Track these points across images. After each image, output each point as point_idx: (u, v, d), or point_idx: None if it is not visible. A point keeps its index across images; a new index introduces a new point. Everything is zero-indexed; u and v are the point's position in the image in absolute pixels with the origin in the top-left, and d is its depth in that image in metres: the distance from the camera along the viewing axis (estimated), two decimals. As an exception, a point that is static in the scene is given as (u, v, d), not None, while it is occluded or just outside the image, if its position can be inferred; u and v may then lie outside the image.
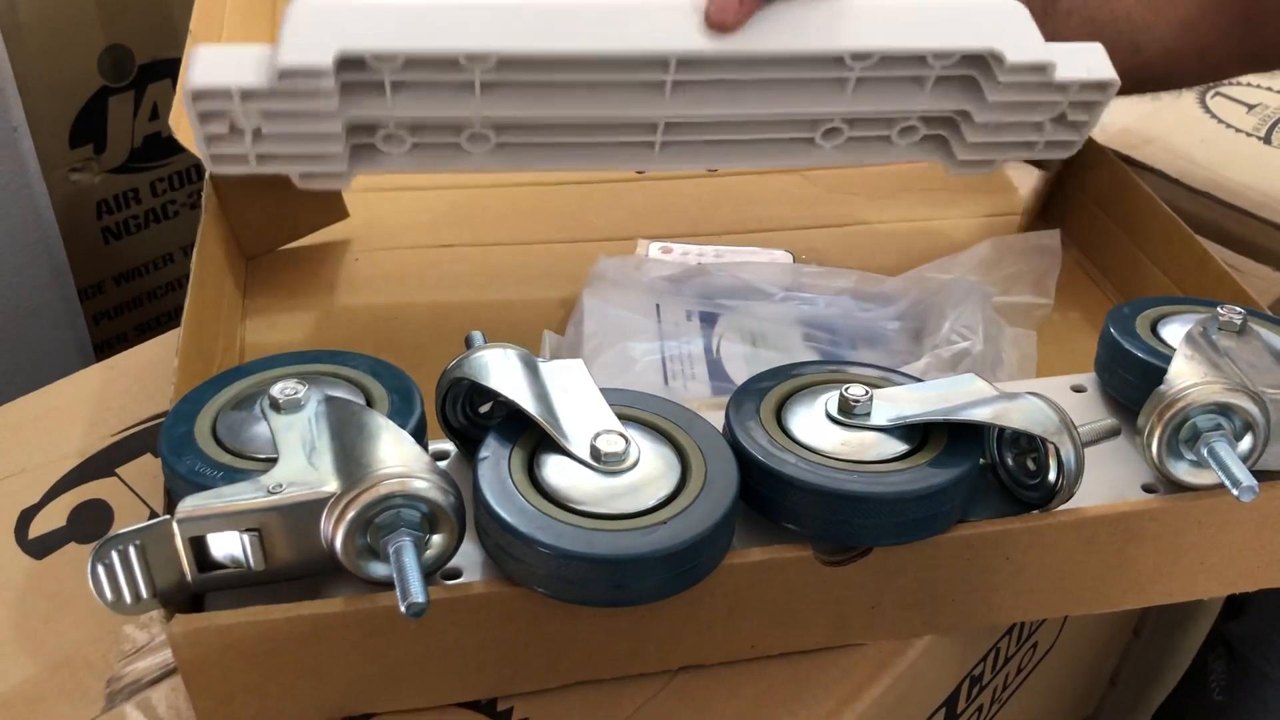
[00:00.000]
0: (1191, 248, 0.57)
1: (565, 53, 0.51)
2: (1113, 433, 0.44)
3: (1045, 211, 0.69)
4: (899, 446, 0.41)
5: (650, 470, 0.39)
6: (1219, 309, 0.46)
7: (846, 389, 0.41)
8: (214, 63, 0.50)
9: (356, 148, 0.53)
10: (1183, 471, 0.42)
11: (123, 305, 1.05)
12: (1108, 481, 0.44)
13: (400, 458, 0.37)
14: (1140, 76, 0.59)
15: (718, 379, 0.55)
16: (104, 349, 1.06)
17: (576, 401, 0.40)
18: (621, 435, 0.39)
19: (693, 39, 0.51)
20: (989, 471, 0.43)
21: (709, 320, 0.57)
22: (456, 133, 0.54)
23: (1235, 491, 0.39)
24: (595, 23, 0.51)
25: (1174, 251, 0.58)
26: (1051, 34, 0.53)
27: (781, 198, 0.69)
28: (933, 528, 0.40)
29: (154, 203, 1.05)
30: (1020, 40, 0.53)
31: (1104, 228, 0.64)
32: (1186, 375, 0.43)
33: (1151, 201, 0.60)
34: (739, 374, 0.55)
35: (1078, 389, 0.49)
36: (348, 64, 0.50)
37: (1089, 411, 0.48)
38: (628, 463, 0.38)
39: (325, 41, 0.49)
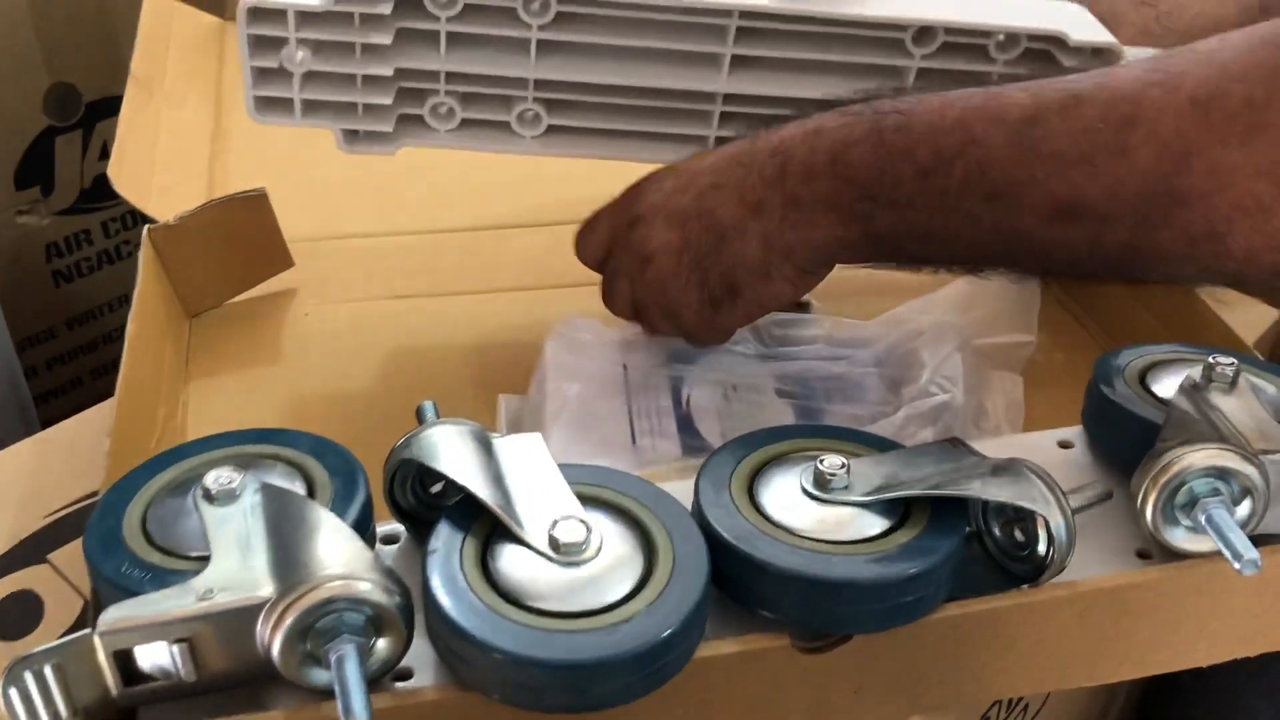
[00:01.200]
0: (1176, 286, 0.55)
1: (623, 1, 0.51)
2: (1104, 499, 0.42)
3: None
4: (880, 523, 0.38)
5: (614, 558, 0.36)
6: (1211, 359, 0.44)
7: (821, 461, 0.39)
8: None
9: (404, 118, 0.53)
10: (1179, 539, 0.40)
11: (76, 350, 1.02)
12: (1100, 547, 0.42)
13: (342, 556, 0.34)
14: None
15: (688, 435, 0.52)
16: (57, 394, 1.03)
17: (534, 483, 0.38)
18: (582, 522, 0.36)
19: None
20: (975, 540, 0.41)
21: (678, 373, 0.55)
22: (507, 110, 0.54)
23: (1237, 565, 0.37)
24: None
25: (1160, 290, 0.56)
26: None
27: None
28: (918, 611, 0.38)
29: (106, 244, 1.01)
30: (1081, 25, 0.53)
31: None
32: (1181, 436, 0.40)
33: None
34: (710, 430, 0.52)
35: (1065, 444, 0.47)
36: (405, 4, 0.49)
37: (1078, 470, 0.45)
38: (589, 552, 0.36)
39: None
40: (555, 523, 0.36)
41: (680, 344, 0.56)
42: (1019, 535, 0.40)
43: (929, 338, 0.55)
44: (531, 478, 0.38)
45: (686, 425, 0.52)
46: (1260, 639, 0.44)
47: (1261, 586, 0.42)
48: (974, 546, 0.41)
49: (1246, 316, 0.62)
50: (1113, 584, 0.40)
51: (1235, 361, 0.44)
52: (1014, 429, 0.51)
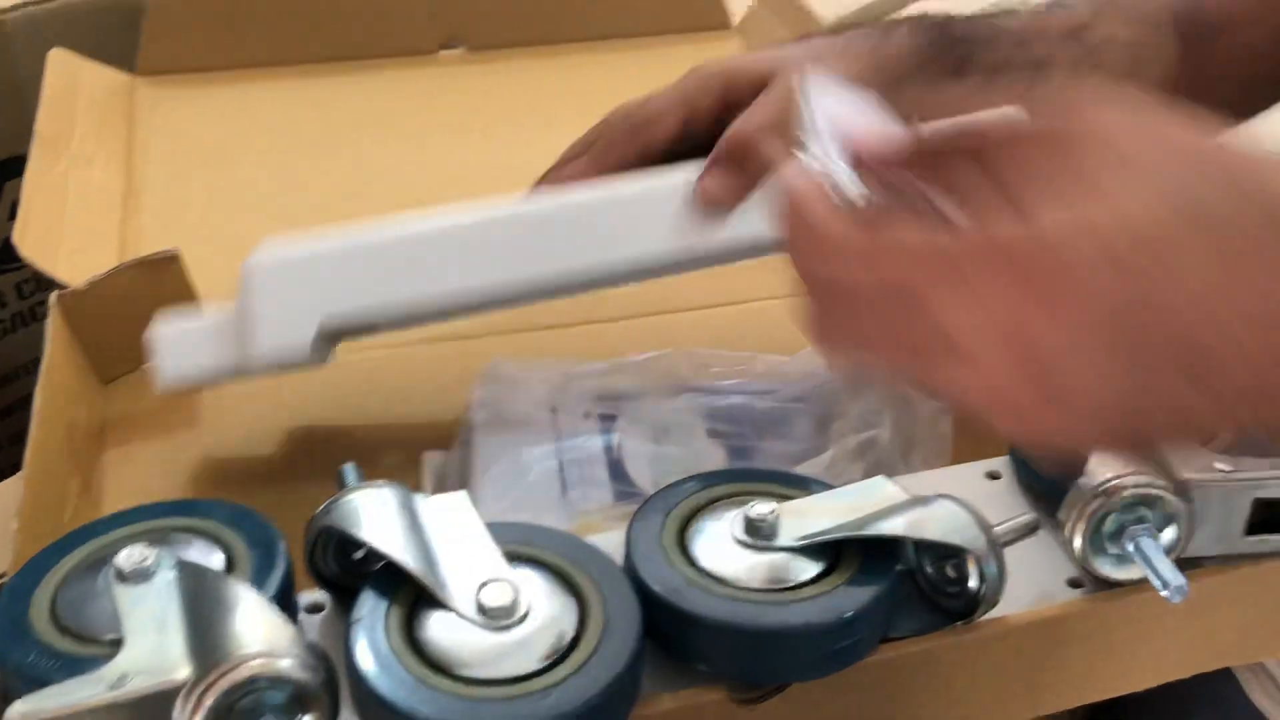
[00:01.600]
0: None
1: (555, 276, 0.50)
2: (1031, 529, 0.42)
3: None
4: (812, 567, 0.38)
5: (544, 620, 0.35)
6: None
7: (750, 507, 0.38)
8: (179, 347, 0.49)
9: None
10: (1108, 568, 0.40)
11: (-7, 415, 0.99)
12: (1032, 578, 0.42)
13: (262, 633, 0.33)
14: None
15: (620, 482, 0.51)
16: (-26, 462, 1.00)
17: (459, 545, 0.37)
18: (510, 584, 0.35)
19: (682, 238, 0.50)
20: (909, 578, 0.41)
21: (608, 418, 0.54)
22: None
23: (1165, 593, 0.37)
24: (575, 236, 0.50)
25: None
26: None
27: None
28: (854, 655, 0.37)
29: (20, 305, 0.99)
30: None
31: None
32: (1107, 466, 0.41)
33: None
34: (642, 475, 0.52)
35: (993, 475, 0.47)
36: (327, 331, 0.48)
37: (1006, 502, 0.45)
38: (517, 615, 0.35)
39: (303, 316, 0.47)
40: (481, 586, 0.35)
41: (608, 384, 0.55)
42: (951, 572, 0.40)
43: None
44: (457, 539, 0.37)
45: (618, 471, 0.52)
46: (1194, 661, 0.44)
47: (1192, 610, 0.42)
48: (908, 585, 0.41)
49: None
50: (1046, 615, 0.40)
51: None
52: (943, 462, 0.52)
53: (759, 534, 0.38)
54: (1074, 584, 0.42)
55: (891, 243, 0.30)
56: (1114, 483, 0.40)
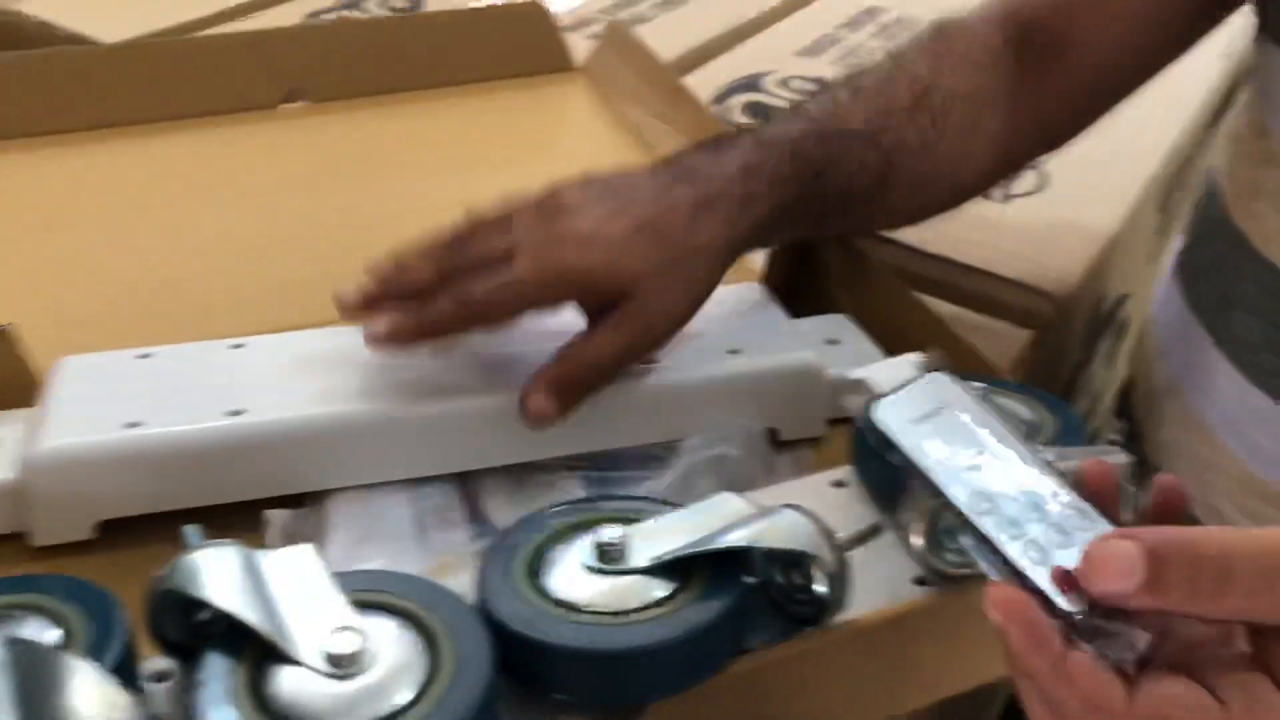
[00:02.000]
0: (929, 317, 0.58)
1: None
2: (875, 532, 0.43)
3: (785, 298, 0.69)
4: (664, 586, 0.38)
5: (394, 665, 0.35)
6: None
7: (600, 533, 0.39)
8: None
9: None
10: (950, 564, 0.42)
11: None
12: (880, 579, 0.43)
13: (97, 707, 0.32)
14: None
15: (477, 522, 0.51)
16: None
17: (305, 597, 0.36)
18: (357, 631, 0.35)
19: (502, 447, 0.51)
20: (760, 590, 0.42)
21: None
22: None
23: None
24: (389, 446, 0.50)
25: (914, 320, 0.59)
26: None
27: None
28: (707, 670, 0.38)
29: None
30: None
31: (845, 307, 0.64)
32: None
33: (888, 278, 0.61)
34: (498, 511, 0.52)
35: (838, 484, 0.48)
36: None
37: (851, 508, 0.47)
38: (365, 662, 0.35)
39: (80, 513, 0.47)
40: (329, 635, 0.35)
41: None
42: (798, 579, 0.41)
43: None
44: (302, 592, 0.37)
45: (474, 510, 0.51)
46: (929, 686, 0.45)
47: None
48: (760, 597, 0.42)
49: (1002, 341, 0.66)
50: (894, 614, 0.41)
51: (983, 386, 0.46)
52: (797, 473, 0.53)
53: (609, 559, 0.39)
54: (920, 582, 0.43)
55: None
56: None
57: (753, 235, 0.54)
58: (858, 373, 0.39)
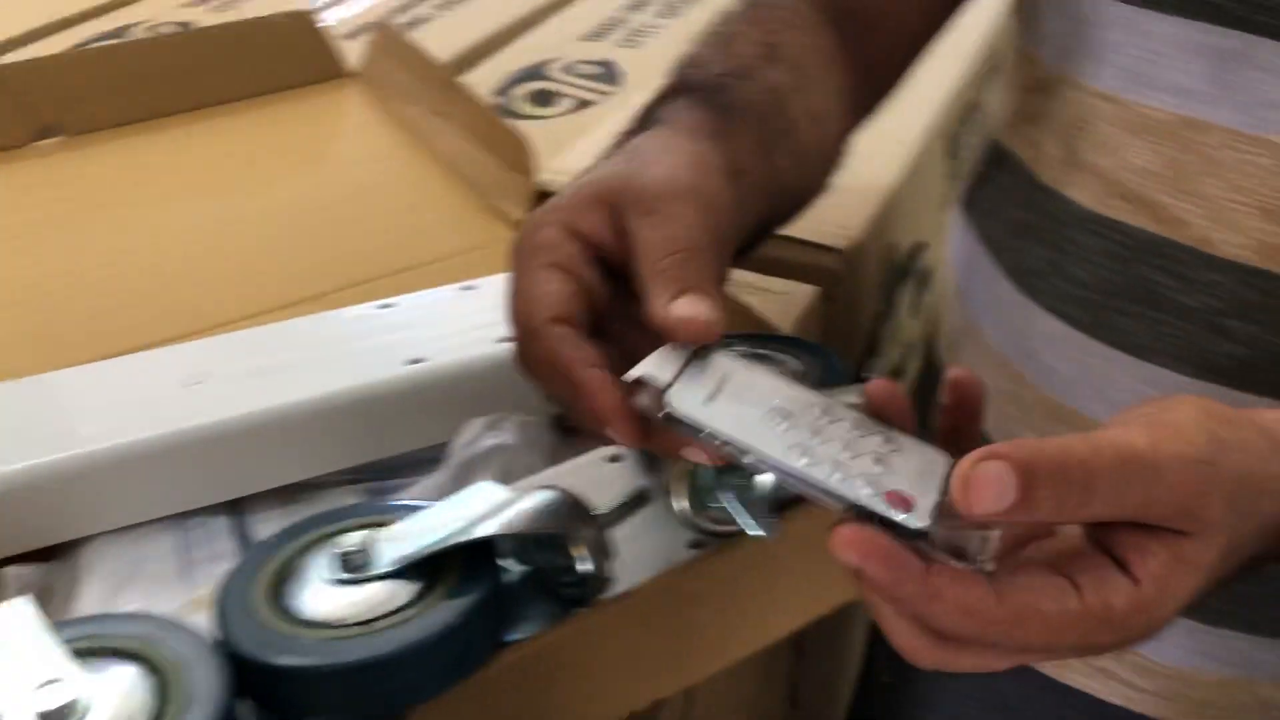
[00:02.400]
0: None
1: None
2: (642, 500, 0.42)
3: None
4: (412, 588, 0.37)
5: (115, 711, 0.32)
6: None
7: (340, 543, 0.37)
8: None
9: None
10: (716, 522, 0.41)
11: None
12: (655, 548, 0.42)
13: None
14: None
15: (248, 548, 0.49)
16: None
17: (15, 654, 0.34)
18: (69, 682, 0.32)
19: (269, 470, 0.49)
20: (530, 576, 0.40)
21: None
22: None
23: (754, 534, 0.38)
24: None
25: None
26: None
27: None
28: (467, 667, 0.36)
29: None
30: None
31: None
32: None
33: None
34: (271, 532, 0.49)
35: (614, 458, 0.47)
36: None
37: (624, 480, 0.46)
38: (80, 713, 0.32)
39: None
40: (39, 689, 0.32)
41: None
42: (561, 560, 0.39)
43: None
44: (17, 647, 0.34)
45: (245, 540, 0.49)
46: (826, 596, 0.45)
47: (805, 547, 0.43)
48: (529, 584, 0.40)
49: (788, 302, 0.66)
50: (666, 581, 0.40)
51: (745, 348, 0.45)
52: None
53: (353, 567, 0.37)
54: (696, 545, 0.42)
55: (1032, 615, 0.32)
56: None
57: None
58: (633, 373, 0.37)
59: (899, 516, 0.32)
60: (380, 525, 0.39)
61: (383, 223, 0.71)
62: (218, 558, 0.48)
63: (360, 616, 0.36)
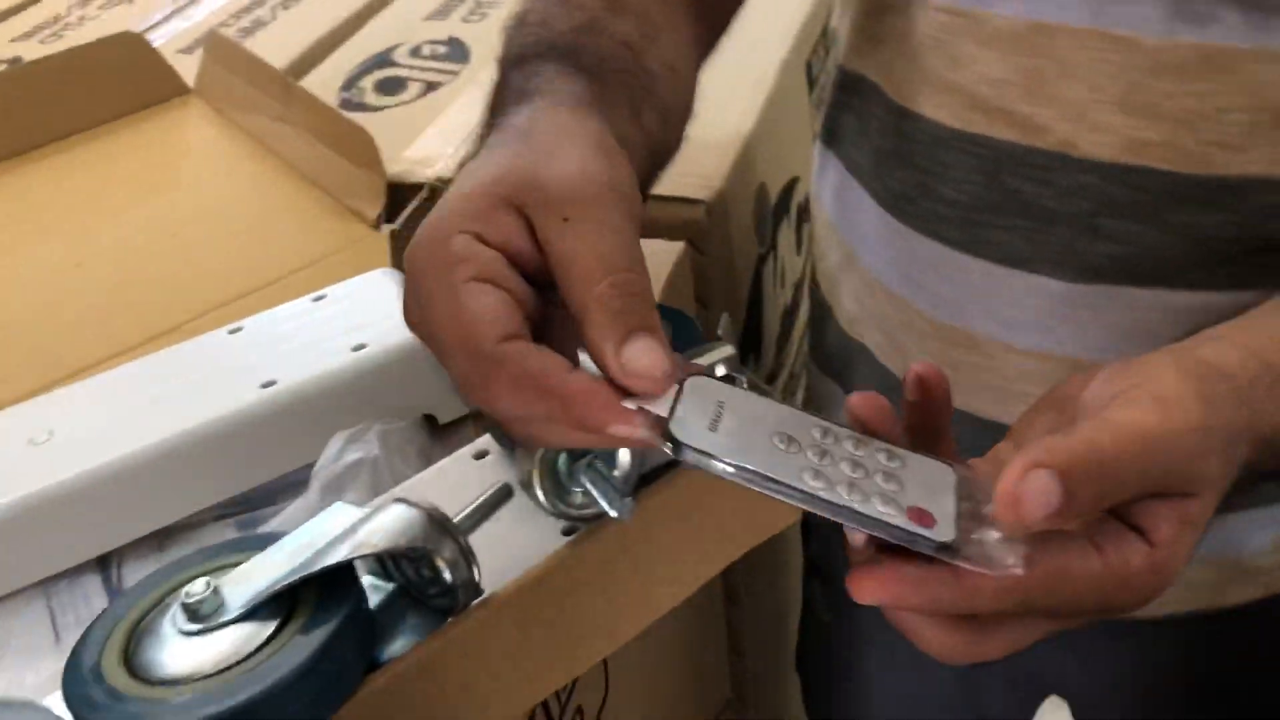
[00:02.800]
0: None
1: None
2: (505, 495, 0.41)
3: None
4: (264, 628, 0.35)
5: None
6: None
7: (186, 594, 0.35)
8: None
9: None
10: (578, 508, 0.40)
11: None
12: (528, 542, 0.41)
13: None
14: None
15: (126, 606, 0.47)
16: None
17: None
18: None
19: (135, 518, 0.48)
20: (402, 592, 0.39)
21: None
22: None
23: (614, 515, 0.37)
24: None
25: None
26: None
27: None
28: (332, 699, 0.35)
29: None
30: None
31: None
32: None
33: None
34: (148, 587, 0.47)
35: (480, 454, 0.46)
36: None
37: (493, 476, 0.45)
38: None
39: None
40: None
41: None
42: (426, 572, 0.38)
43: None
44: None
45: (119, 592, 0.47)
46: (700, 569, 0.44)
47: (680, 514, 0.42)
48: (401, 601, 0.39)
49: (658, 259, 0.65)
50: (539, 574, 0.39)
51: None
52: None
53: (201, 616, 0.35)
54: (569, 533, 0.42)
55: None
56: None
57: None
58: (630, 404, 0.34)
59: (927, 533, 0.32)
60: (230, 567, 0.37)
61: (236, 241, 0.69)
62: (92, 618, 0.46)
63: (216, 666, 0.34)
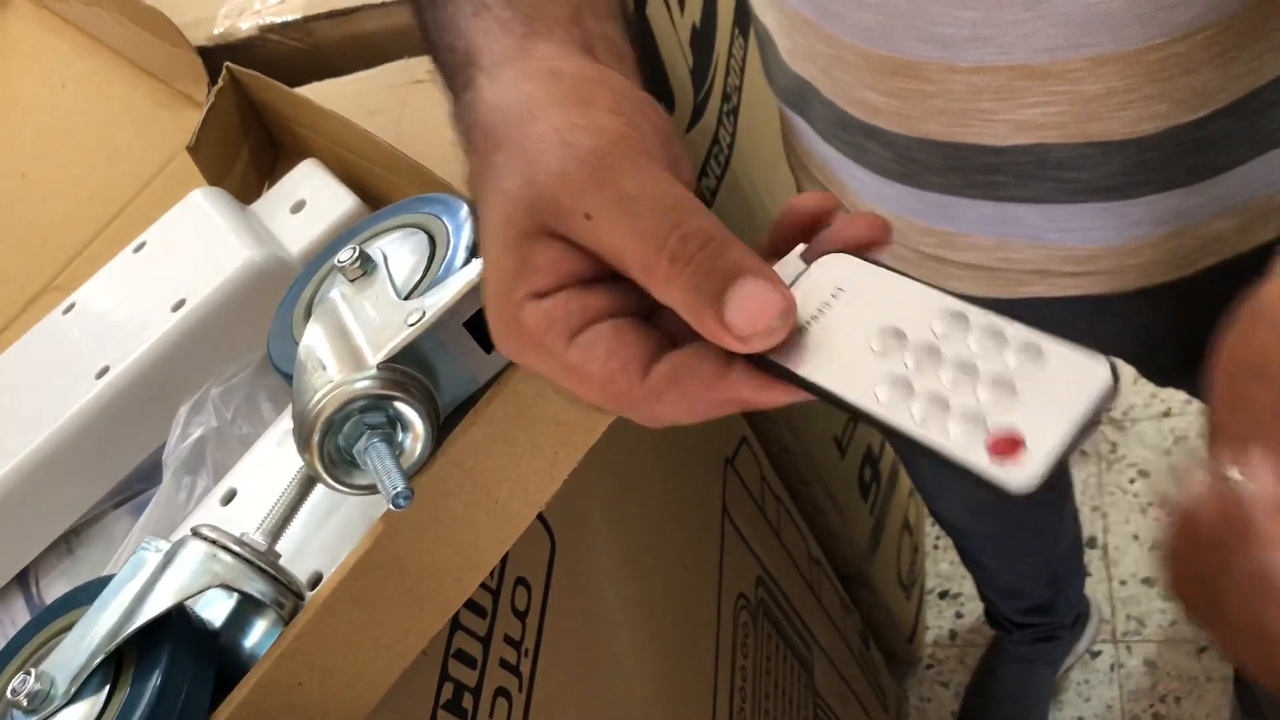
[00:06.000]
0: (382, 149, 0.51)
1: None
2: (308, 488, 0.39)
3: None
4: (95, 701, 0.36)
5: None
6: (339, 256, 0.40)
7: (8, 690, 0.36)
8: None
9: None
10: (357, 481, 0.38)
11: None
12: (344, 534, 0.40)
13: None
14: None
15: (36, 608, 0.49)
16: None
17: None
18: None
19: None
20: (246, 600, 0.39)
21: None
22: None
23: (391, 504, 0.35)
24: None
25: (372, 153, 0.52)
26: None
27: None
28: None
29: None
30: None
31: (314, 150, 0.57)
32: (316, 380, 0.37)
33: (335, 116, 0.53)
34: (54, 586, 0.49)
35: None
36: None
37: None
38: None
39: None
40: None
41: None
42: (248, 587, 0.37)
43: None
44: None
45: (31, 598, 0.49)
46: (551, 477, 0.42)
47: (510, 431, 0.40)
48: (247, 605, 0.39)
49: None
50: (356, 559, 0.38)
51: (356, 249, 0.40)
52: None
53: (33, 709, 0.36)
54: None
55: None
56: (323, 401, 0.36)
57: None
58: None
59: (999, 474, 0.25)
60: (66, 631, 0.37)
61: (82, 168, 0.65)
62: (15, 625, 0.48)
63: (56, 756, 0.35)
